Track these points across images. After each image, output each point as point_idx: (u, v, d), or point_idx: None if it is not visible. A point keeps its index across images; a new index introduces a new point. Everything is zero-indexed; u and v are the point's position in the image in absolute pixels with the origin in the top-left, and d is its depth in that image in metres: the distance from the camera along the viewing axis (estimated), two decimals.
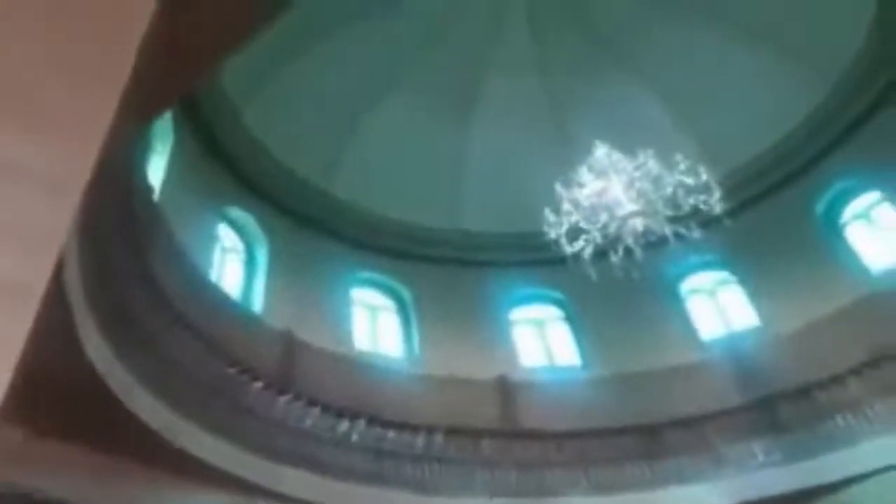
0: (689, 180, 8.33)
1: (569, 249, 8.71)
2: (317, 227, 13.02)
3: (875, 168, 11.59)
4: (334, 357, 11.12)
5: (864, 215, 12.00)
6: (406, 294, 13.40)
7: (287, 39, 11.26)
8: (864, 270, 11.47)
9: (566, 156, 9.76)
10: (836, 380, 9.44)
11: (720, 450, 9.50)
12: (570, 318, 13.66)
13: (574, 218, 8.63)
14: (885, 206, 11.68)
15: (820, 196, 12.30)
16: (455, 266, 13.58)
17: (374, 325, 12.93)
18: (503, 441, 10.30)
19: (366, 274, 13.37)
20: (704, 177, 8.36)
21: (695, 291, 13.42)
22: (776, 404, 9.93)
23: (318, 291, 12.18)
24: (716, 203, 8.49)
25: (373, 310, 13.15)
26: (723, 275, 13.22)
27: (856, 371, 9.30)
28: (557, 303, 13.85)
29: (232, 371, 8.69)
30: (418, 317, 13.02)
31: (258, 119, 12.59)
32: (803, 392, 9.61)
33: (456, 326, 12.65)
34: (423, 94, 13.55)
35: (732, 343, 12.18)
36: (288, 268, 12.19)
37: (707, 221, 8.99)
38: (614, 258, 8.77)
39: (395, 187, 13.68)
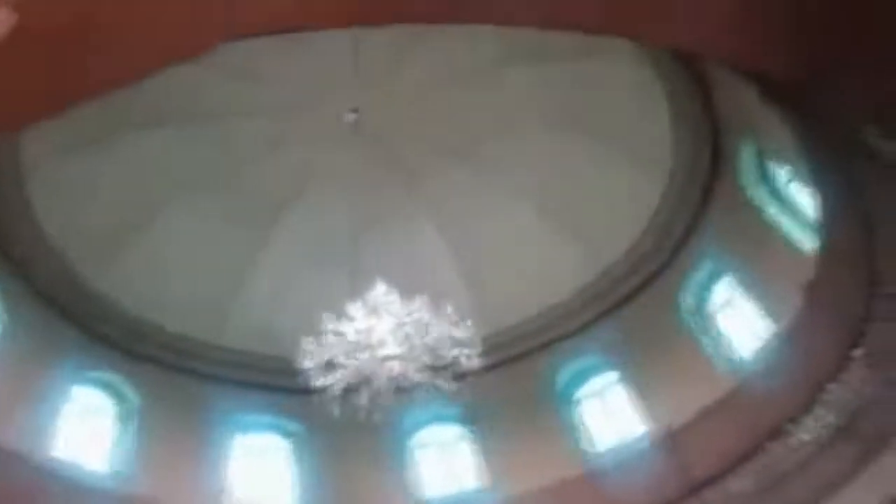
0: (456, 333, 8.23)
1: (319, 382, 8.22)
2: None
3: (618, 348, 12.64)
4: None
5: (598, 394, 12.85)
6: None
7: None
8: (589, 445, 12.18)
9: (350, 288, 9.49)
10: None
11: None
12: (296, 451, 12.92)
13: (334, 351, 8.13)
14: (618, 388, 12.55)
15: (563, 369, 13.05)
16: (184, 376, 12.64)
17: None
18: None
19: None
20: (470, 332, 8.32)
21: (424, 446, 13.30)
22: None
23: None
24: (474, 359, 8.39)
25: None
26: (456, 430, 13.27)
27: None
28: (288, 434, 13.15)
29: None
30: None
31: None
32: None
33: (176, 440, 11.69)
34: (230, 202, 13.10)
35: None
36: None
37: (461, 375, 8.81)
38: (363, 398, 8.34)
39: (163, 292, 12.90)
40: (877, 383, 7.06)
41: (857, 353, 7.53)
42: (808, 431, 7.79)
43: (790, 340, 9.88)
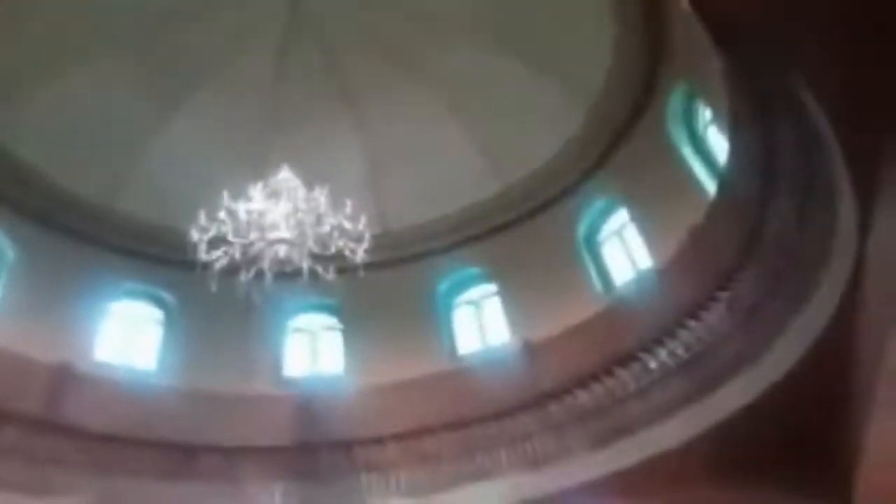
0: (349, 227, 8.26)
1: (204, 256, 8.14)
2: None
3: (503, 262, 13.06)
4: None
5: (475, 303, 13.35)
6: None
7: None
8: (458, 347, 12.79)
9: (254, 171, 9.25)
10: (379, 441, 10.12)
11: (245, 484, 9.50)
12: (167, 323, 12.81)
13: (225, 228, 8.01)
14: (494, 299, 13.12)
15: (445, 277, 13.44)
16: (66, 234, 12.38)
17: None
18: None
19: None
20: (362, 228, 8.39)
21: (296, 331, 13.60)
22: (319, 451, 10.23)
23: None
24: (360, 253, 8.49)
25: None
26: (331, 321, 13.62)
27: (398, 437, 10.06)
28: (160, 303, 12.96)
29: None
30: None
31: None
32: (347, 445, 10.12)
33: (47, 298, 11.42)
34: (147, 65, 12.31)
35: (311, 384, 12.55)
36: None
37: (345, 268, 8.91)
38: (244, 277, 8.31)
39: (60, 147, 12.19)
40: (731, 327, 7.81)
41: (723, 295, 8.09)
42: (657, 361, 8.58)
43: (663, 276, 10.55)
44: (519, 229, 13.22)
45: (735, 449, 7.40)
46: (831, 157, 5.30)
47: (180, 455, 9.56)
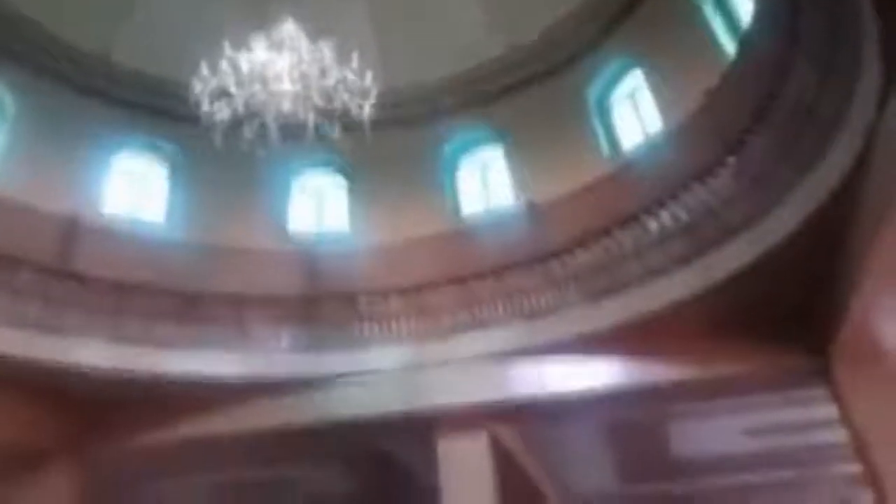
0: (355, 81, 8.20)
1: (206, 108, 8.06)
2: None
3: (511, 123, 12.88)
4: None
5: (482, 163, 13.24)
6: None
7: None
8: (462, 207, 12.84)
9: (258, 23, 8.80)
10: (382, 294, 10.40)
11: (252, 328, 9.88)
12: (173, 178, 12.91)
13: (228, 80, 7.86)
14: (501, 160, 13.06)
15: (453, 137, 13.33)
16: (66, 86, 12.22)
17: None
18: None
19: None
20: (368, 83, 8.27)
21: (302, 189, 13.63)
22: (324, 302, 10.54)
23: None
24: (366, 108, 8.39)
25: None
26: (336, 179, 13.69)
27: (401, 291, 10.34)
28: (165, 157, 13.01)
29: None
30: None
31: None
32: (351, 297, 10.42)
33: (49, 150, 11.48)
34: None
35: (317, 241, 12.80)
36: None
37: (350, 125, 8.84)
38: (249, 131, 8.29)
39: None
40: (735, 192, 7.79)
41: (731, 160, 7.98)
42: (658, 223, 8.67)
43: (672, 139, 10.43)
44: (529, 90, 12.94)
45: (725, 309, 7.67)
46: (860, 25, 5.10)
47: (188, 302, 9.85)
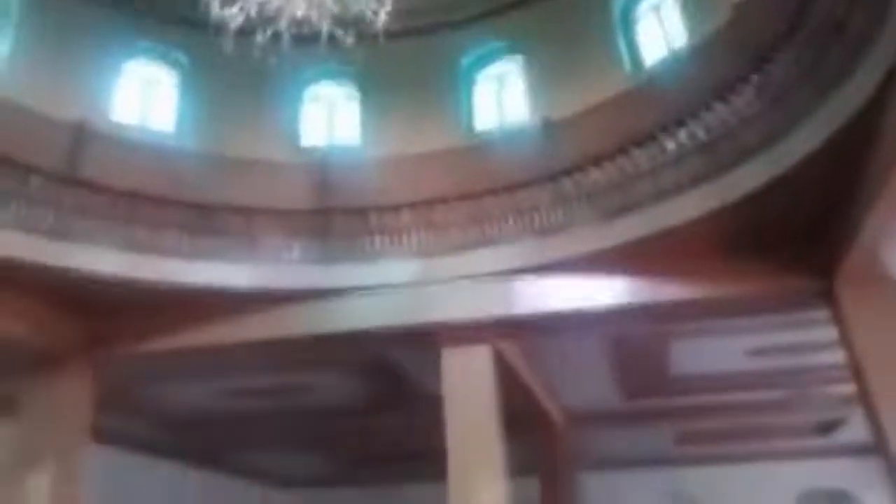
0: None
1: (218, 13, 7.74)
2: None
3: (531, 37, 12.47)
4: None
5: (498, 77, 12.88)
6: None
7: None
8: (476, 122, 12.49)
9: None
10: (393, 208, 10.25)
11: (261, 239, 9.89)
12: (183, 86, 12.73)
13: None
14: (517, 74, 12.68)
15: (469, 50, 12.88)
16: None
17: None
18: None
19: None
20: None
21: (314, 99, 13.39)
22: (335, 215, 10.51)
23: None
24: (382, 16, 8.15)
25: None
26: (348, 90, 13.35)
27: (412, 205, 10.22)
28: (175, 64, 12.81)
29: None
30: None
31: None
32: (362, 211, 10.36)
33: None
34: None
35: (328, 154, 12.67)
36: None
37: (365, 35, 8.61)
38: (260, 37, 8.02)
39: None
40: (757, 110, 7.65)
41: (755, 78, 7.74)
42: (675, 142, 8.55)
43: (696, 55, 10.15)
44: (550, 2, 12.48)
45: (734, 230, 7.65)
46: None
47: (199, 212, 9.85)
